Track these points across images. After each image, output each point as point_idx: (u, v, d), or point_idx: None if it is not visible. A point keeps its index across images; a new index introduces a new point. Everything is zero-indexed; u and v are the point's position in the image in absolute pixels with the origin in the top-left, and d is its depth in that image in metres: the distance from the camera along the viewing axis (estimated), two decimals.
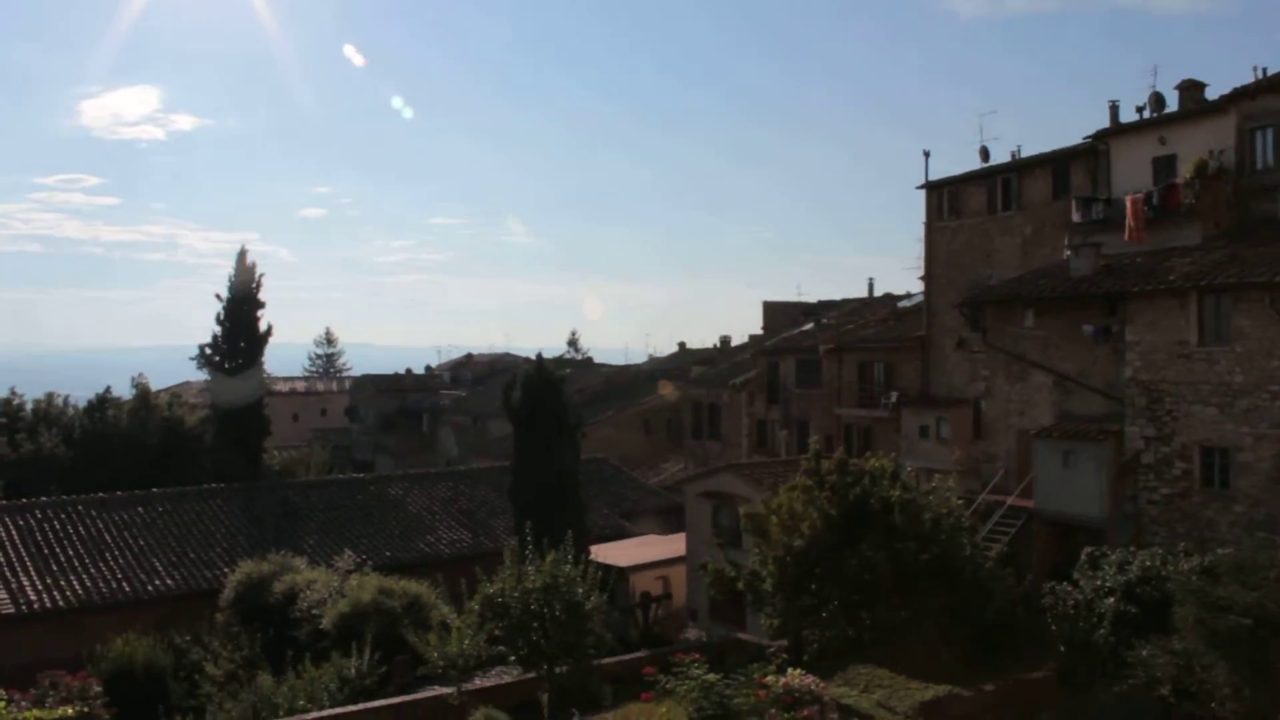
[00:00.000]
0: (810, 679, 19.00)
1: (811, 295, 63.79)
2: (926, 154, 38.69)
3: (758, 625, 25.64)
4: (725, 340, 68.24)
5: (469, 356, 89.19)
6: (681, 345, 75.76)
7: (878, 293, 53.91)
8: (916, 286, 42.84)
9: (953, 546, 22.46)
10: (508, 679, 23.41)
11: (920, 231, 38.91)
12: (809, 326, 50.65)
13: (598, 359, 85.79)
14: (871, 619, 21.94)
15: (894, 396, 38.25)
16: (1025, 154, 35.29)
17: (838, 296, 59.73)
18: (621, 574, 32.54)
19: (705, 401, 54.18)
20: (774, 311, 58.21)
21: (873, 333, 43.08)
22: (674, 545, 35.85)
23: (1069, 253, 30.48)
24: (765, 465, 36.19)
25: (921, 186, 38.52)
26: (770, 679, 18.98)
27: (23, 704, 19.23)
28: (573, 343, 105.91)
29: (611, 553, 33.43)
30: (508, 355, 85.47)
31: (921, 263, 39.05)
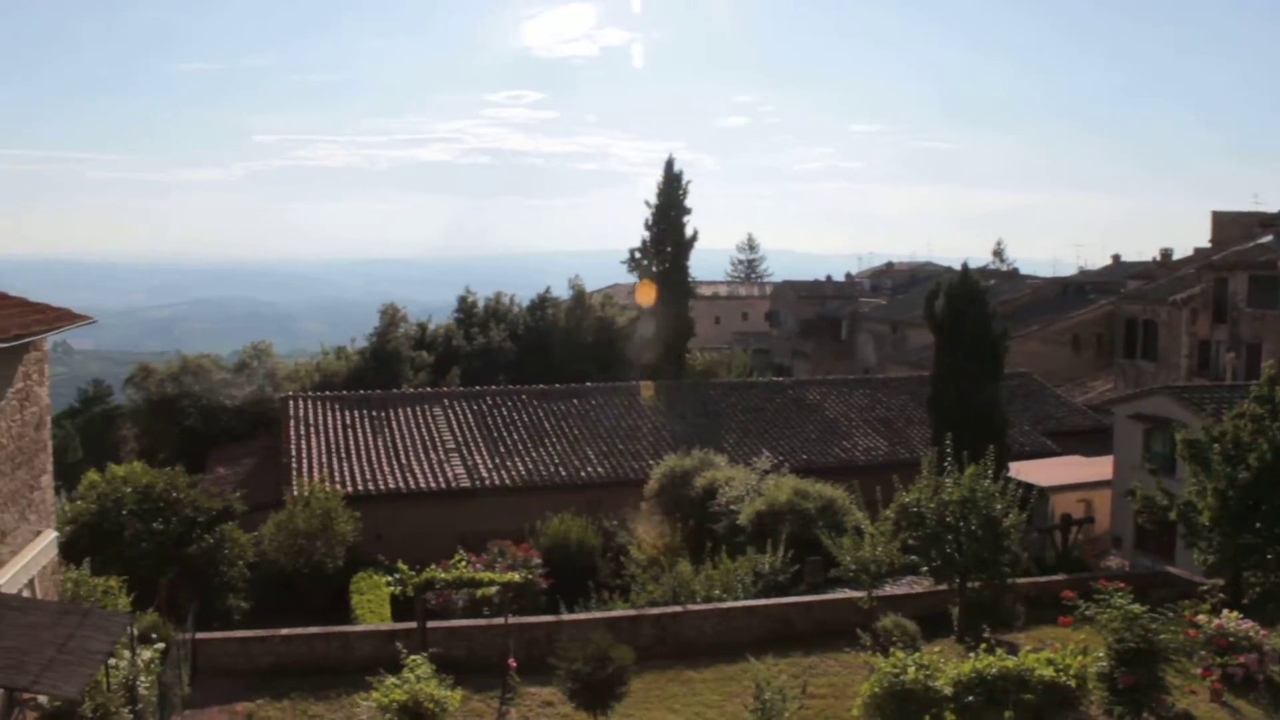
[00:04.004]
0: (1248, 624, 17.77)
1: (1271, 205, 57.49)
2: None
3: (1189, 560, 24.04)
4: (1166, 253, 63.27)
5: (889, 265, 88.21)
6: (1115, 258, 71.10)
7: None
8: None
9: None
10: (918, 589, 23.44)
11: None
12: (1267, 239, 45.97)
13: (1023, 270, 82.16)
14: None
15: None
16: None
17: None
18: (1042, 493, 31.44)
19: (1140, 318, 50.80)
20: (1225, 223, 53.21)
21: None
22: (1099, 468, 34.16)
23: None
24: (1207, 389, 33.51)
25: None
26: (1202, 619, 17.92)
27: (477, 565, 21.54)
28: (998, 253, 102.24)
29: (1032, 471, 32.34)
30: (929, 264, 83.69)
31: None
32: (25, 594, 15.92)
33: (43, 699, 14.12)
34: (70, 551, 20.74)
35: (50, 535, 17.74)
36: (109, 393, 64.74)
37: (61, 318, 17.36)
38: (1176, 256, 60.79)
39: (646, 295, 49.27)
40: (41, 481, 17.57)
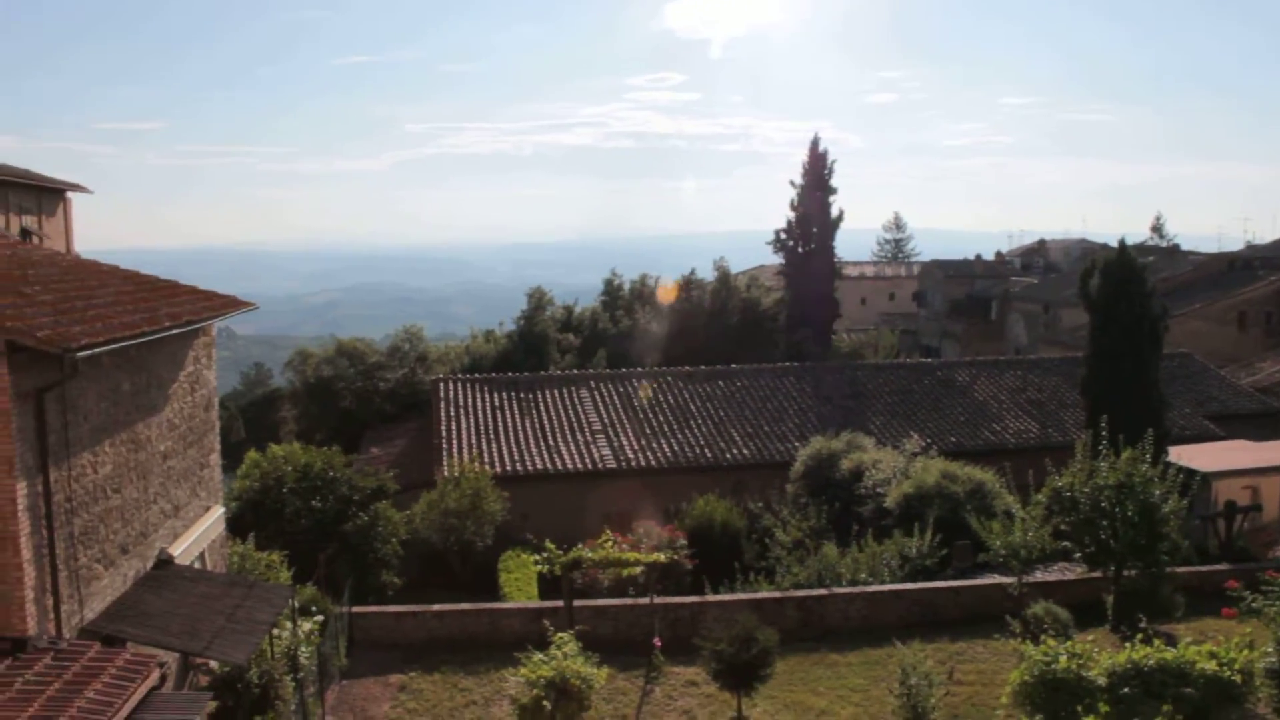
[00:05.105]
0: None
1: None
2: None
3: None
4: None
5: (1041, 242, 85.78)
6: None
7: None
8: None
9: None
10: (1070, 576, 22.90)
11: None
12: None
13: (1185, 246, 78.90)
14: None
15: None
16: None
17: None
18: (1204, 479, 30.29)
19: None
20: None
21: None
22: (1267, 453, 32.66)
23: None
24: None
25: None
26: None
27: (623, 545, 21.80)
28: (1157, 228, 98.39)
29: (1193, 455, 31.12)
30: (1083, 241, 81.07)
31: None
32: (197, 565, 16.73)
33: (213, 664, 14.86)
34: (236, 526, 21.73)
35: (218, 510, 18.58)
36: (269, 375, 67.41)
37: (227, 304, 18.11)
38: None
39: (792, 276, 49.03)
40: (210, 460, 18.41)
